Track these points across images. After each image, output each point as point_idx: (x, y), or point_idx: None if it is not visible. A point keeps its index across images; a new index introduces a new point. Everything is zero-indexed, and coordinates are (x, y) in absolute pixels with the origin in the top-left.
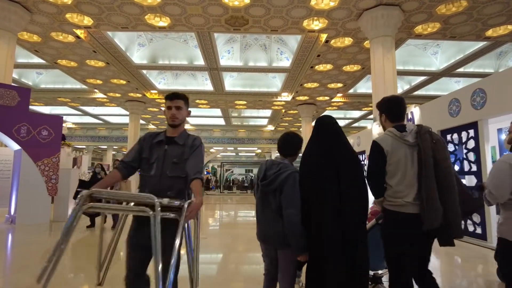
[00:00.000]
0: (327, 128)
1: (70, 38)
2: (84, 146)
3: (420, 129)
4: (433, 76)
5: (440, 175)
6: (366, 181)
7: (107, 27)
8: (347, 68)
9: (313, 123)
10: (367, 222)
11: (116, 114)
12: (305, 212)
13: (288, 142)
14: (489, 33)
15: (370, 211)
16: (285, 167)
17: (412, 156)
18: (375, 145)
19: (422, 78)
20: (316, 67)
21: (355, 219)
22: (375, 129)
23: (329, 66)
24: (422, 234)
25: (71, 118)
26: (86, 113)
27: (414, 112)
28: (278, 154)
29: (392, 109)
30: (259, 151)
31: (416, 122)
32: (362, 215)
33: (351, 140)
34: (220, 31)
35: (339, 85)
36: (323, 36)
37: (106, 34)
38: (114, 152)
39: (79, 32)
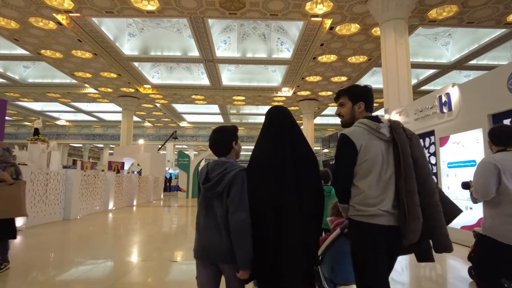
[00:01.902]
0: (280, 120)
1: (52, 25)
2: (80, 145)
3: (393, 123)
4: (443, 69)
5: (419, 176)
6: (335, 185)
7: (89, 11)
8: (353, 59)
9: (265, 114)
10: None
11: (111, 111)
12: (253, 219)
13: (221, 140)
14: (511, 18)
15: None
16: (231, 166)
17: (388, 153)
18: (345, 139)
19: (430, 71)
20: (319, 58)
21: (311, 227)
22: (394, 117)
23: (333, 57)
24: (400, 250)
25: (64, 116)
26: (79, 110)
27: (452, 94)
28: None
29: (371, 97)
30: None
31: (454, 107)
32: (317, 224)
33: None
34: (215, 16)
35: (343, 78)
36: (328, 22)
37: (91, 21)
38: (110, 151)
39: (60, 17)
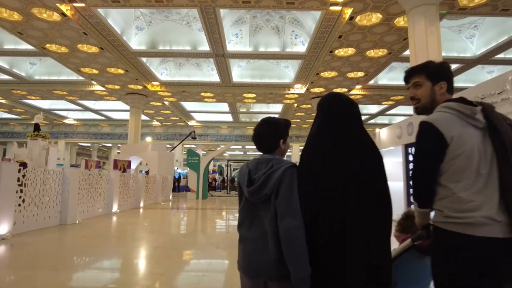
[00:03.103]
0: (340, 111)
1: (56, 17)
2: (89, 144)
3: (486, 106)
4: (466, 64)
5: None
6: (411, 181)
7: (95, 1)
8: (371, 53)
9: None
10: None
11: (118, 110)
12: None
13: (267, 133)
14: None
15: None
16: (278, 162)
17: (484, 144)
18: (429, 129)
19: (453, 66)
20: (336, 51)
21: (377, 239)
22: None
23: (350, 51)
24: None
25: (72, 114)
26: (87, 108)
27: None
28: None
29: (452, 76)
30: None
31: None
32: (386, 233)
33: (396, 130)
34: (227, 6)
35: (360, 74)
36: (347, 12)
37: (96, 12)
38: (119, 151)
39: (64, 8)
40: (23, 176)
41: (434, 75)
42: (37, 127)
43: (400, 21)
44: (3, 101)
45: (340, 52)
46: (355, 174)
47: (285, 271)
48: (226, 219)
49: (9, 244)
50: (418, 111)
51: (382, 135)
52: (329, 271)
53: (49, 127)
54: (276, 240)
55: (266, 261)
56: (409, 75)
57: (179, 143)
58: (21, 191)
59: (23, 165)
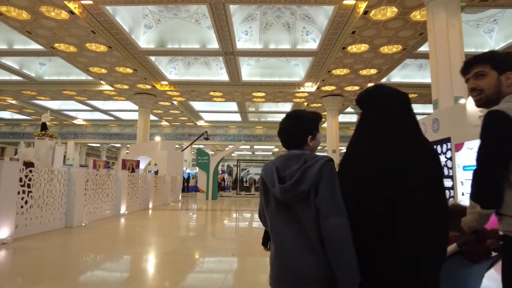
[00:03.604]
0: (390, 103)
1: (64, 15)
2: (98, 145)
3: None
4: None
5: None
6: (474, 177)
7: None
8: (385, 49)
9: (359, 98)
10: None
11: (127, 110)
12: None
13: (293, 129)
14: None
15: None
16: (312, 157)
17: None
18: (500, 118)
19: None
20: (349, 48)
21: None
22: (472, 102)
23: (364, 47)
24: None
25: (81, 115)
26: (96, 109)
27: None
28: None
29: None
30: (276, 149)
31: None
32: (445, 238)
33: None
34: (237, 1)
35: (373, 71)
36: (362, 6)
37: (104, 10)
38: (127, 151)
39: (72, 5)
40: (26, 176)
41: (500, 65)
42: (44, 126)
43: (417, 15)
44: (13, 101)
45: (353, 48)
46: (407, 172)
47: (330, 276)
48: (240, 221)
49: (10, 249)
50: (480, 103)
51: None
52: (379, 275)
53: (58, 127)
54: (318, 241)
55: (308, 266)
56: (470, 64)
57: (192, 143)
58: (24, 192)
59: (30, 164)
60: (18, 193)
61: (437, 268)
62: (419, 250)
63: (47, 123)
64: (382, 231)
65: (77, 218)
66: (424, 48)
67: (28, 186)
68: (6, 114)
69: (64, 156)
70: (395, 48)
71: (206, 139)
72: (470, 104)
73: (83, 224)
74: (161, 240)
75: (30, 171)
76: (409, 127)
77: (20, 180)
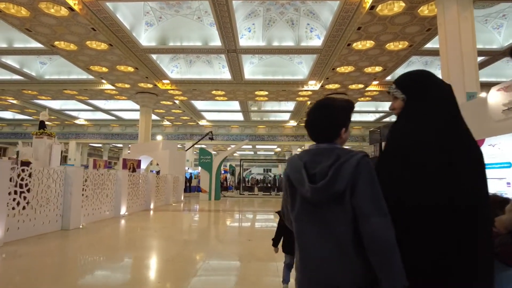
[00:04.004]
0: (442, 93)
1: (63, 12)
2: (100, 145)
3: None
4: (493, 57)
5: None
6: None
7: None
8: (391, 46)
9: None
10: None
11: (129, 109)
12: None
13: (326, 118)
14: None
15: None
16: (346, 152)
17: None
18: None
19: (478, 59)
20: (354, 44)
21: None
22: (494, 95)
23: (369, 44)
24: None
25: (83, 114)
26: (97, 108)
27: None
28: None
29: None
30: (279, 149)
31: None
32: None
33: None
34: None
35: (378, 69)
36: (368, 1)
37: (105, 6)
38: (129, 151)
39: (72, 2)
40: (18, 175)
41: None
42: (42, 124)
43: (424, 10)
44: (15, 101)
45: (358, 45)
46: (457, 168)
47: (366, 283)
48: (246, 223)
49: (0, 254)
50: None
51: None
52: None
53: (60, 127)
54: (352, 245)
55: (342, 274)
56: None
57: (196, 143)
58: (16, 192)
59: (27, 164)
60: (10, 193)
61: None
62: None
63: (46, 121)
64: (455, 229)
65: (74, 220)
66: (430, 44)
67: (21, 186)
68: (8, 114)
69: (66, 156)
70: (401, 45)
71: (211, 139)
72: (492, 98)
73: (81, 226)
74: (162, 244)
75: (23, 171)
76: (460, 118)
77: (11, 180)
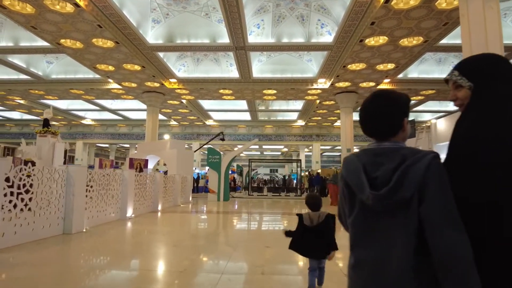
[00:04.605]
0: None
1: (69, 8)
2: (107, 145)
3: None
4: (510, 52)
5: None
6: None
7: None
8: (405, 41)
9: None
10: None
11: (136, 109)
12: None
13: (387, 110)
14: None
15: None
16: (413, 153)
17: None
18: None
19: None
20: (367, 40)
21: None
22: None
23: (382, 39)
24: None
25: (89, 114)
26: (104, 108)
27: None
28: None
29: None
30: (286, 149)
31: None
32: None
33: None
34: None
35: (390, 66)
36: None
37: (111, 2)
38: (135, 151)
39: None
40: (15, 176)
41: None
42: (46, 122)
43: (442, 3)
44: (22, 101)
45: (371, 41)
46: None
47: None
48: (261, 226)
49: None
50: None
51: (439, 127)
52: None
53: (67, 127)
54: (416, 258)
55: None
56: None
57: (206, 143)
58: (12, 193)
59: (31, 163)
60: (5, 195)
61: None
62: None
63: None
64: None
65: (76, 223)
66: (446, 40)
67: (18, 187)
68: (16, 115)
69: (73, 157)
70: (415, 41)
71: (222, 140)
72: None
73: (84, 230)
74: (172, 251)
75: (20, 170)
76: None
77: (7, 179)
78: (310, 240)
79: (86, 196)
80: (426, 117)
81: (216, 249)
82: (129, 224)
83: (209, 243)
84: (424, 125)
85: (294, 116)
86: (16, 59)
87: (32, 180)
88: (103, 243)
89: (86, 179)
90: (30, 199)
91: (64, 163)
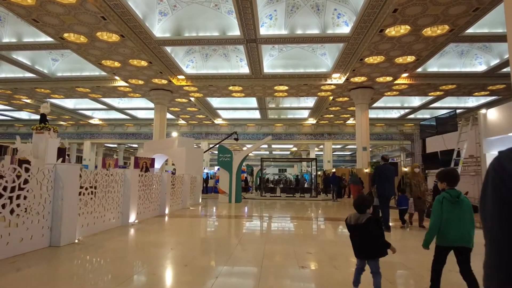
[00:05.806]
0: None
1: None
2: (115, 145)
3: None
4: None
5: None
6: None
7: None
8: (428, 31)
9: None
10: None
11: (143, 108)
12: None
13: None
14: None
15: None
16: None
17: None
18: None
19: None
20: (387, 30)
21: None
22: None
23: (404, 29)
24: None
25: (97, 114)
26: (111, 107)
27: None
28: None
29: None
30: (295, 149)
31: None
32: None
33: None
34: None
35: (410, 59)
36: None
37: None
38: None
39: None
40: None
41: None
42: (43, 118)
43: None
44: (28, 100)
45: (392, 31)
46: None
47: None
48: (288, 238)
49: None
50: None
51: (491, 118)
52: None
53: (74, 127)
54: None
55: None
56: None
57: (219, 143)
58: None
59: (25, 163)
60: None
61: None
62: None
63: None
64: None
65: (66, 233)
66: (472, 29)
67: None
68: (24, 115)
69: (81, 157)
70: (440, 30)
71: (236, 139)
72: None
73: (76, 241)
74: (183, 274)
75: None
76: None
77: None
78: (353, 240)
79: (80, 200)
80: (442, 113)
81: (238, 272)
82: (131, 232)
83: (227, 262)
84: (471, 116)
85: (305, 114)
86: (20, 56)
87: (6, 182)
88: (95, 261)
89: (78, 180)
90: (3, 206)
91: (63, 162)
